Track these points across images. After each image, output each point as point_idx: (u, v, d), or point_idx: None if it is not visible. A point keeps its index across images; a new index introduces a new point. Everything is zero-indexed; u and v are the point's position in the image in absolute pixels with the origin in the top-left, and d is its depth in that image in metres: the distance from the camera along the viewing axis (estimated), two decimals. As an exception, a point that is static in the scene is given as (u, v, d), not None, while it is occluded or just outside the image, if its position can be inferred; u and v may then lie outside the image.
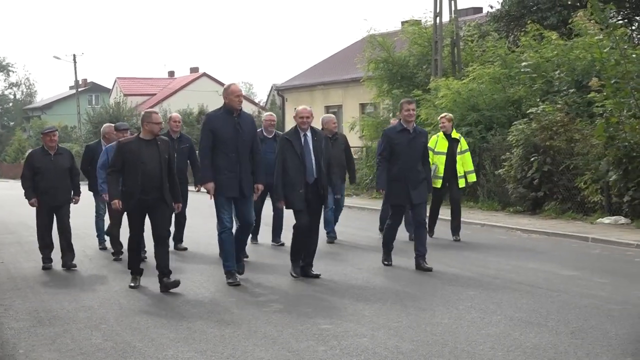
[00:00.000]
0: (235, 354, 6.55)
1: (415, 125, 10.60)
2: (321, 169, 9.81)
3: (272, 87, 60.99)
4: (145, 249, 11.00)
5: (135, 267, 9.60)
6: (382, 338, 6.92)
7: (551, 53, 19.49)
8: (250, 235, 11.79)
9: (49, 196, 11.06)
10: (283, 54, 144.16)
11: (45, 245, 11.30)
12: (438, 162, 13.00)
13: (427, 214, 13.27)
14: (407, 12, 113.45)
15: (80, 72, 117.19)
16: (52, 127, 11.58)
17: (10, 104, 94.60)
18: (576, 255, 11.90)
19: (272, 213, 12.83)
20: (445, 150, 13.03)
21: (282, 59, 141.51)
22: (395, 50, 25.61)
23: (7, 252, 13.38)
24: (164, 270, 9.27)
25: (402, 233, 13.59)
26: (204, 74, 66.37)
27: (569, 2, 24.13)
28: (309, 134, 9.91)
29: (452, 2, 23.83)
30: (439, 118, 13.67)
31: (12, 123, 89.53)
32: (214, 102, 52.63)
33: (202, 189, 9.92)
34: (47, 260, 11.26)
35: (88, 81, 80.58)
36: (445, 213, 14.20)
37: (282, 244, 12.85)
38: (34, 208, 11.28)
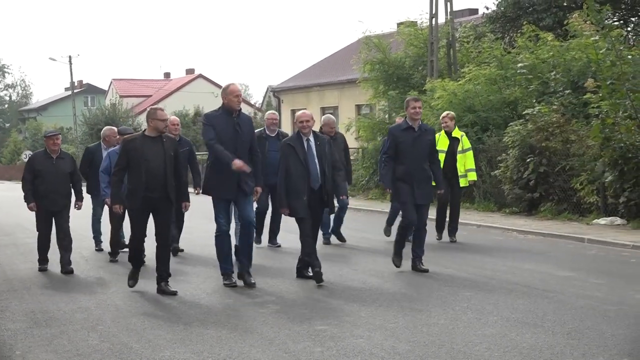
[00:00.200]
0: (232, 355, 6.55)
1: (421, 122, 10.45)
2: (326, 174, 9.66)
3: (267, 89, 61.01)
4: (145, 254, 10.93)
5: (136, 262, 9.40)
6: (379, 339, 6.92)
7: (547, 54, 19.50)
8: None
9: (49, 200, 10.94)
10: (279, 55, 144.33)
11: (44, 250, 11.23)
12: None
13: (436, 216, 13.32)
14: (402, 13, 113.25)
15: (75, 73, 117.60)
16: (56, 130, 11.46)
17: (6, 106, 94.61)
18: (572, 256, 11.91)
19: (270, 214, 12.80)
20: (445, 149, 12.94)
21: (278, 60, 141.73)
22: (391, 51, 25.61)
23: (4, 253, 13.37)
24: (162, 274, 9.21)
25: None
26: (200, 76, 66.43)
27: (565, 4, 24.18)
28: (311, 138, 9.72)
29: (448, 3, 23.88)
30: (441, 117, 13.60)
31: (7, 125, 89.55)
32: (210, 104, 52.77)
33: (200, 192, 9.82)
34: (43, 261, 11.22)
35: (84, 82, 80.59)
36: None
37: (279, 246, 12.86)
38: (33, 212, 11.17)
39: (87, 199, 12.86)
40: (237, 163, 9.03)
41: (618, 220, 14.84)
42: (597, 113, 15.51)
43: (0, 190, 40.58)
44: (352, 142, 26.12)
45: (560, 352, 6.39)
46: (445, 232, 13.50)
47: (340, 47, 40.65)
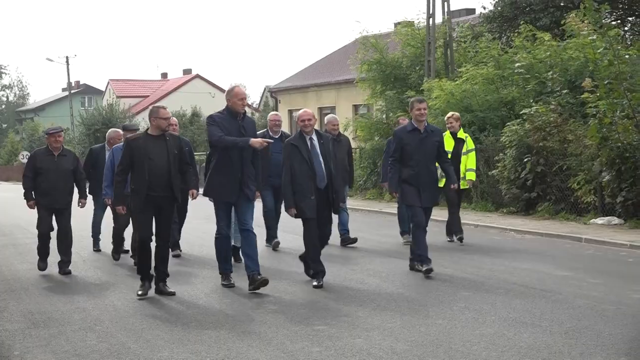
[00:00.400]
0: (230, 355, 6.55)
1: (427, 124, 10.27)
2: (331, 172, 9.50)
3: (265, 89, 61.02)
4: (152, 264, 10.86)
5: (145, 272, 9.17)
6: (377, 339, 6.93)
7: (544, 54, 19.51)
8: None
9: (50, 198, 10.82)
10: (276, 56, 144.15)
11: (44, 250, 11.13)
12: None
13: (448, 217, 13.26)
14: (399, 13, 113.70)
15: (73, 74, 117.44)
16: (59, 127, 11.35)
17: (3, 106, 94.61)
18: (569, 255, 11.92)
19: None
20: (451, 150, 12.74)
21: (275, 61, 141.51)
22: (388, 51, 25.62)
23: (2, 254, 13.37)
24: (160, 274, 9.19)
25: (398, 234, 13.66)
26: (197, 76, 66.39)
27: (562, 4, 24.19)
28: (314, 137, 9.57)
29: (445, 3, 23.88)
30: (446, 117, 13.48)
31: (4, 125, 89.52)
32: (207, 104, 52.75)
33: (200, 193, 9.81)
34: (42, 262, 11.17)
35: (81, 83, 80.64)
36: (441, 214, 14.22)
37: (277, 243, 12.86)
38: (33, 212, 11.13)
39: (88, 199, 12.86)
40: (255, 141, 9.03)
41: (615, 220, 14.86)
42: (594, 113, 15.51)
43: (-2, 190, 40.56)
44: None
45: (558, 352, 6.40)
46: (444, 231, 13.50)
47: (338, 47, 40.68)
